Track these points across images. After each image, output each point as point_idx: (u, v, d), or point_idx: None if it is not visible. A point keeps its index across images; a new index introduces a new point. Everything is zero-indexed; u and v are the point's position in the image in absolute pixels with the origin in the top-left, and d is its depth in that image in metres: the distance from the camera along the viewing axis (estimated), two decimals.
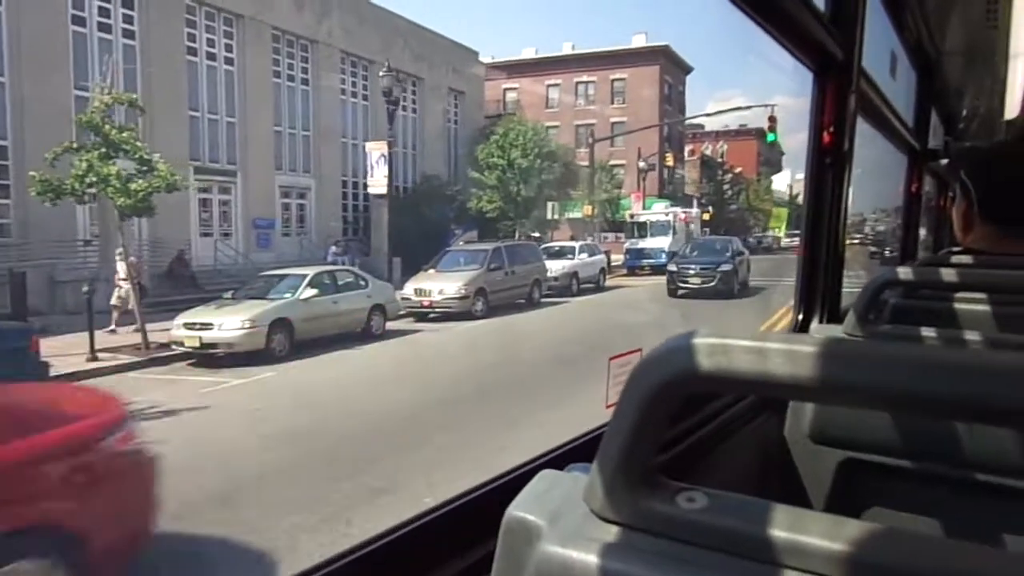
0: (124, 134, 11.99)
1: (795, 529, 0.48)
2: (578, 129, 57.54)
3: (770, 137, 28.66)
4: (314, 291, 13.37)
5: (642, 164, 39.83)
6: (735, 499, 0.52)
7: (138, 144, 12.15)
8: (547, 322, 17.40)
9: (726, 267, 21.54)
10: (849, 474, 1.40)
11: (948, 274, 1.52)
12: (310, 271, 14.41)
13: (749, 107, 29.84)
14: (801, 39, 1.73)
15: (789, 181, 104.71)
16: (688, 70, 58.69)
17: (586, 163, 55.54)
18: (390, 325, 15.75)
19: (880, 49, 2.80)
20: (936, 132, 4.34)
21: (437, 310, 17.32)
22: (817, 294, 2.11)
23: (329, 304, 13.51)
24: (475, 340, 14.45)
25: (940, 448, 1.26)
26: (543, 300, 21.14)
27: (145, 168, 12.20)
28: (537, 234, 41.41)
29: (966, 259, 1.74)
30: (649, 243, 33.74)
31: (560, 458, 1.16)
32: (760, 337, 0.48)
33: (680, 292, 21.22)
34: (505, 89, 59.78)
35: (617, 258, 35.46)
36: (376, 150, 20.48)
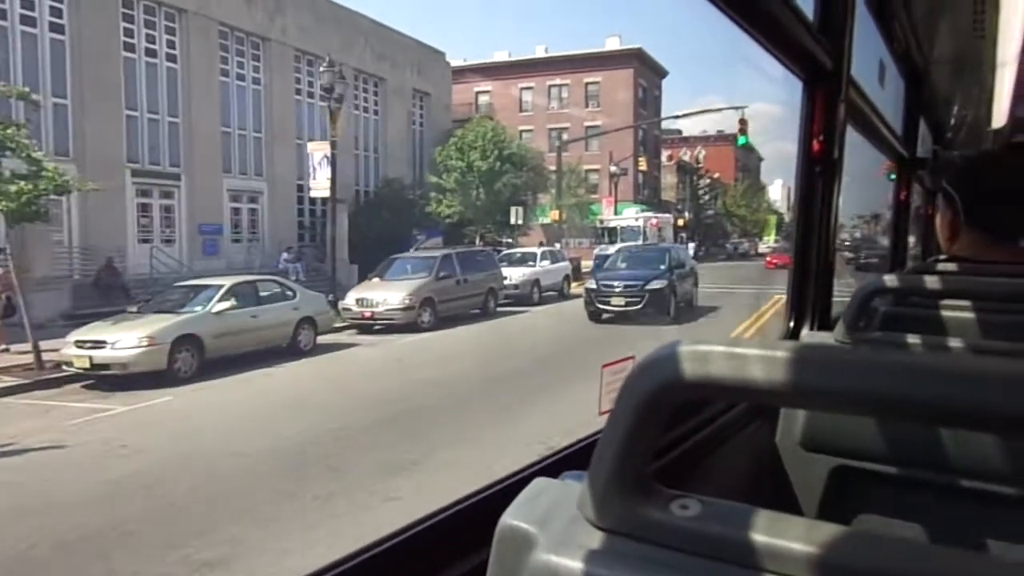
0: (9, 131, 10.69)
1: (788, 536, 0.48)
2: (551, 133, 56.53)
3: (741, 140, 27.78)
4: (228, 304, 12.12)
5: (614, 168, 38.90)
6: (728, 506, 0.52)
7: (24, 142, 10.85)
8: (497, 334, 16.27)
9: (658, 284, 17.16)
10: (840, 481, 1.39)
11: (937, 282, 1.55)
12: (228, 281, 13.15)
13: (720, 109, 28.77)
14: (790, 48, 1.73)
15: (782, 192, 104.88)
16: (664, 74, 57.96)
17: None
18: (326, 339, 14.57)
19: (869, 58, 2.86)
20: (924, 141, 4.36)
21: (380, 322, 16.13)
22: (808, 301, 2.11)
23: (247, 318, 12.28)
24: (411, 356, 13.27)
25: (930, 455, 1.26)
26: (500, 310, 20.02)
27: (35, 168, 10.92)
28: (509, 239, 40.49)
29: (954, 267, 1.76)
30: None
31: (554, 465, 1.16)
32: (751, 345, 0.48)
33: (604, 316, 17.11)
34: (477, 92, 58.73)
35: (589, 264, 34.62)
36: (318, 151, 19.23)
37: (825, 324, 2.10)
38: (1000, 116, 4.24)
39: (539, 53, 57.00)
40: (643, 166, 44.08)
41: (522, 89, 56.74)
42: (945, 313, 1.62)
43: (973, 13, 2.97)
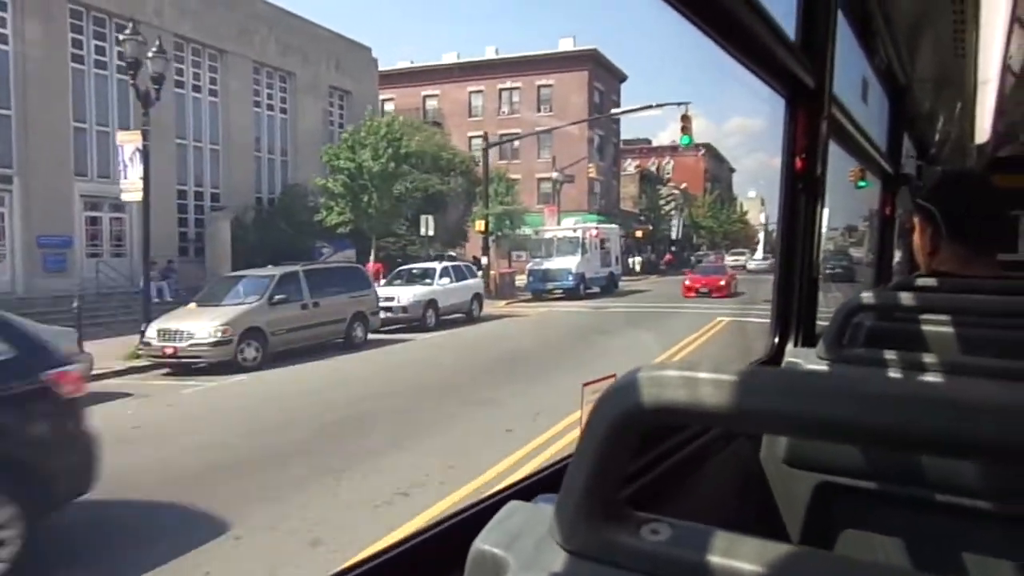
0: None
1: (759, 561, 0.48)
2: (502, 138, 53.30)
3: (684, 140, 24.48)
4: None
5: (555, 175, 35.48)
6: (700, 530, 0.52)
7: None
8: (348, 375, 12.60)
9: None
10: (824, 498, 1.38)
11: (920, 298, 1.56)
12: None
13: (660, 105, 25.38)
14: (772, 67, 1.73)
15: (757, 204, 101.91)
16: (622, 78, 54.84)
17: (512, 175, 51.67)
18: (100, 385, 10.84)
19: (852, 75, 2.92)
20: (908, 157, 4.39)
21: (185, 360, 12.44)
22: (792, 318, 2.11)
23: None
24: (172, 422, 9.57)
25: (915, 472, 1.25)
26: (376, 338, 16.42)
27: None
28: (452, 252, 36.89)
29: (934, 283, 1.78)
30: (555, 263, 29.33)
31: (529, 488, 1.15)
32: (724, 370, 0.48)
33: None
34: (425, 96, 55.41)
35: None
36: (129, 143, 15.51)
37: (809, 340, 2.09)
38: (983, 132, 4.31)
39: (489, 55, 53.84)
40: (591, 172, 40.67)
41: (471, 92, 53.41)
42: (927, 328, 1.63)
43: (953, 32, 2.98)
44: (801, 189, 2.01)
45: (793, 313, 2.09)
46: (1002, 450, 0.41)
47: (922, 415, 0.42)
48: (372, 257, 22.53)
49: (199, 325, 12.52)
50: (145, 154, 14.13)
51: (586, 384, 1.31)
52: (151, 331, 12.80)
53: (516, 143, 52.28)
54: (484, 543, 0.57)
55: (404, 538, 1.00)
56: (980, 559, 1.22)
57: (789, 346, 2.06)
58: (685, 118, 24.63)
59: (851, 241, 24.65)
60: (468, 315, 20.76)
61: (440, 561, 0.88)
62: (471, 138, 52.98)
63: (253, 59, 27.87)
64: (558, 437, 7.92)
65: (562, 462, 1.20)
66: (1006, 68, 2.99)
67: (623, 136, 73.99)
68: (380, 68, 56.05)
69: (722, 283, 28.38)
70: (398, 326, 18.46)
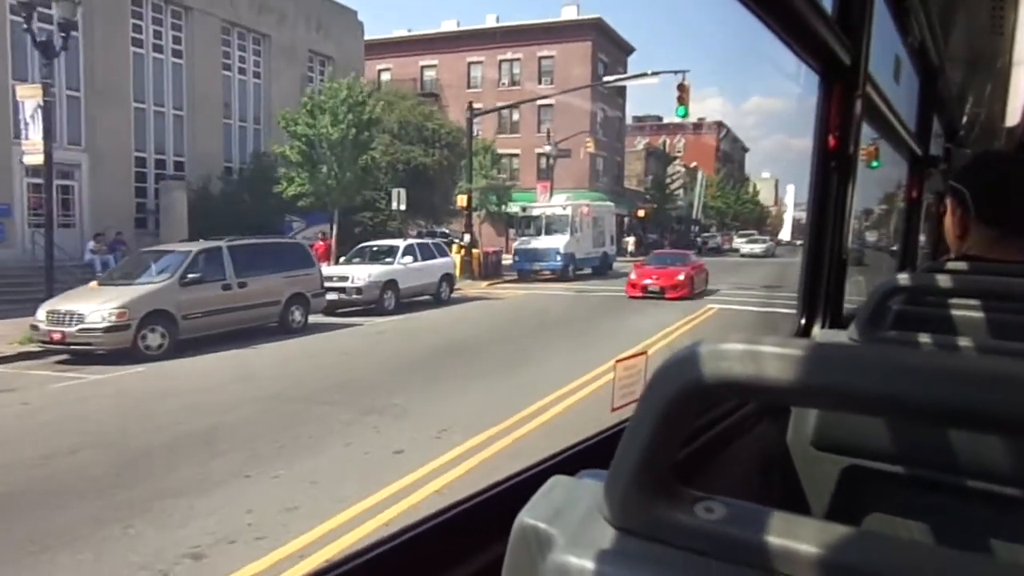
0: None
1: (817, 543, 0.47)
2: (501, 113, 51.22)
3: (680, 111, 22.48)
4: None
5: (548, 148, 33.53)
6: (753, 510, 0.51)
7: None
8: (248, 371, 10.91)
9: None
10: (850, 481, 1.37)
11: (952, 281, 1.51)
12: None
13: (656, 73, 23.44)
14: (809, 42, 1.72)
15: (771, 186, 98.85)
16: (629, 50, 52.43)
17: (510, 150, 49.65)
18: None
19: (885, 54, 2.86)
20: (936, 138, 4.27)
21: (74, 347, 10.85)
22: (820, 299, 2.08)
23: None
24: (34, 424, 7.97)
25: (942, 455, 1.24)
26: (322, 322, 14.81)
27: None
28: (445, 230, 35.09)
29: (964, 266, 1.74)
30: (542, 242, 27.54)
31: (570, 460, 1.15)
32: (789, 344, 0.47)
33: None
34: (423, 67, 53.36)
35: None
36: (29, 98, 13.76)
37: (837, 322, 2.07)
38: (1015, 114, 4.25)
39: (490, 23, 51.61)
40: (590, 147, 38.69)
41: (470, 64, 51.24)
42: (958, 312, 1.60)
43: (991, 9, 2.94)
44: (833, 168, 2.00)
45: (821, 294, 2.07)
46: None
47: (963, 388, 0.42)
48: (333, 233, 20.73)
49: (91, 307, 10.91)
50: (47, 111, 12.37)
51: (619, 360, 1.47)
52: (40, 312, 11.21)
53: (516, 116, 50.50)
54: (529, 517, 0.56)
55: (447, 506, 1.00)
56: (1008, 545, 1.20)
57: (816, 328, 2.05)
58: (682, 87, 22.64)
59: (866, 225, 23.46)
60: (436, 297, 19.08)
61: (483, 532, 0.89)
62: (486, 113, 51.07)
63: (223, 18, 26.03)
64: (456, 463, 6.28)
65: (603, 434, 1.24)
66: None
67: (635, 113, 71.90)
68: (376, 36, 54.31)
69: (680, 278, 19.94)
70: (354, 309, 16.90)
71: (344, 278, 16.81)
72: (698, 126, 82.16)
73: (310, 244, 17.79)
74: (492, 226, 38.87)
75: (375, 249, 18.68)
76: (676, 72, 23.18)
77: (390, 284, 17.27)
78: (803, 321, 2.08)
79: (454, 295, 20.06)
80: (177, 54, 24.84)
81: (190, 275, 11.97)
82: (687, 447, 1.28)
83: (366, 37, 52.74)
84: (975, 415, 0.42)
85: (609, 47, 49.49)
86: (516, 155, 48.30)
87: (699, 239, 57.52)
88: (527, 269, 27.17)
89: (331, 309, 16.61)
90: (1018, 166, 1.84)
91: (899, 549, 0.48)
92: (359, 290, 16.66)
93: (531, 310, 18.61)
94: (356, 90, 20.69)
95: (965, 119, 5.34)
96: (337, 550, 4.44)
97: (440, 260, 19.42)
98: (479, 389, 9.09)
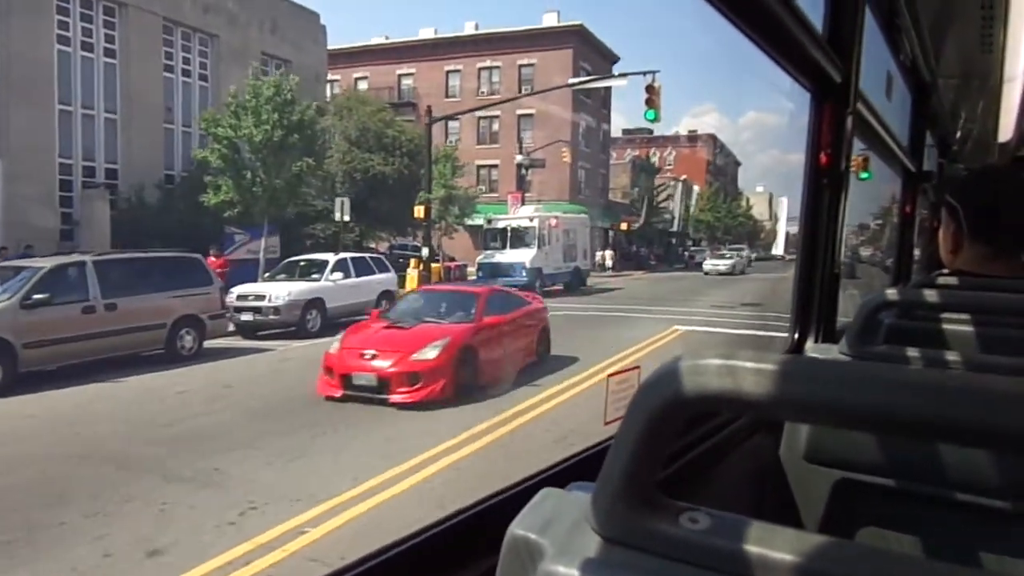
0: None
1: (799, 553, 0.48)
2: (480, 123, 49.60)
3: (649, 115, 20.71)
4: None
5: (520, 158, 31.76)
6: (738, 520, 0.52)
7: None
8: (79, 415, 8.93)
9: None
10: (843, 494, 1.38)
11: (942, 295, 1.55)
12: None
13: (624, 75, 21.80)
14: (800, 60, 1.75)
15: (765, 200, 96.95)
16: (613, 59, 50.77)
17: (489, 160, 47.87)
18: None
19: (877, 71, 2.89)
20: (930, 154, 4.36)
21: None
22: (812, 314, 2.11)
23: None
24: None
25: (933, 469, 1.25)
26: (217, 347, 12.88)
27: None
28: (418, 243, 33.18)
29: (955, 281, 1.76)
30: (507, 256, 25.71)
31: (561, 474, 1.17)
32: (766, 359, 0.48)
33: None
34: (400, 75, 51.67)
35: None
36: None
37: (830, 336, 2.09)
38: (1007, 130, 4.36)
39: (469, 30, 50.02)
40: (566, 157, 36.95)
41: (448, 72, 49.59)
42: (949, 327, 1.62)
43: (981, 28, 2.98)
44: (825, 184, 2.02)
45: (814, 309, 2.09)
46: None
47: (961, 405, 0.42)
48: (262, 247, 18.82)
49: None
50: None
51: (611, 374, 1.51)
52: None
53: (496, 127, 48.83)
54: (520, 528, 0.57)
55: (440, 520, 1.00)
56: (998, 559, 1.21)
57: (809, 342, 2.06)
58: (651, 89, 20.92)
59: (860, 240, 22.37)
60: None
61: (475, 544, 0.91)
62: (447, 120, 49.32)
63: (163, 16, 24.30)
64: (229, 569, 4.40)
65: (593, 449, 1.22)
66: None
67: (626, 126, 70.25)
68: (353, 44, 52.82)
69: (427, 355, 9.07)
70: (275, 332, 14.99)
71: (261, 296, 14.92)
72: (691, 139, 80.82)
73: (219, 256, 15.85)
74: (472, 238, 37.08)
75: (303, 264, 16.81)
76: (645, 73, 21.51)
77: (315, 303, 15.36)
78: (796, 336, 2.11)
79: None
80: (110, 53, 23.06)
81: (36, 296, 10.06)
82: (682, 459, 1.33)
83: (344, 45, 51.45)
84: (956, 430, 0.43)
85: (591, 55, 47.88)
86: (495, 166, 46.57)
87: (687, 253, 55.79)
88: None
89: (251, 331, 14.78)
90: (1011, 184, 1.83)
91: (876, 559, 0.48)
92: (276, 310, 14.75)
93: None
94: (285, 87, 18.85)
95: (958, 134, 5.34)
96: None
97: (379, 276, 17.52)
98: (339, 442, 7.20)
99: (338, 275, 16.17)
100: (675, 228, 58.23)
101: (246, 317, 14.81)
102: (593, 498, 0.54)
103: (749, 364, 0.47)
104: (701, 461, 1.39)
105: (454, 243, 34.18)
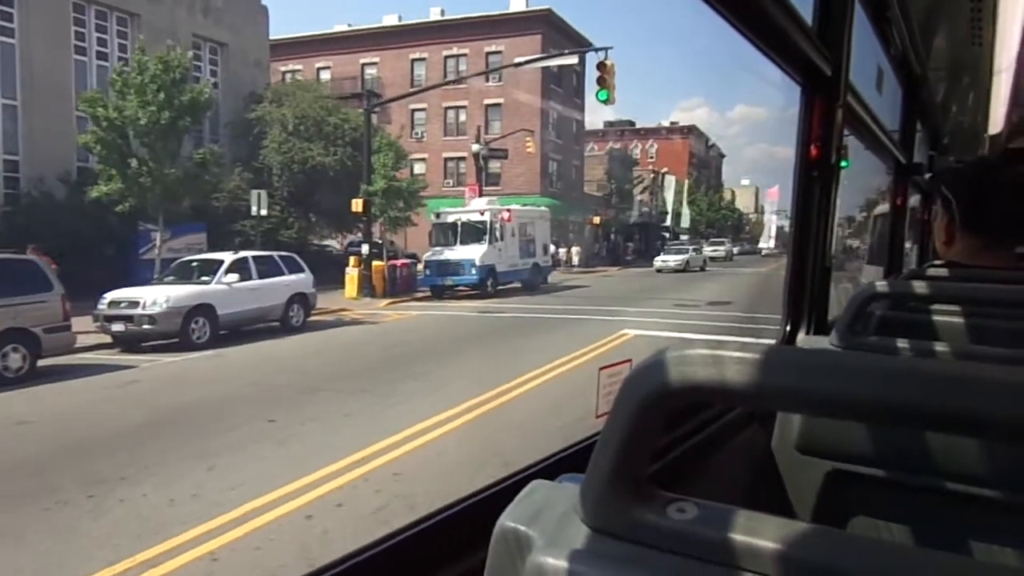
0: None
1: (785, 541, 0.49)
2: (447, 113, 47.48)
3: (601, 95, 18.74)
4: None
5: (476, 147, 29.69)
6: (725, 510, 0.53)
7: None
8: None
9: None
10: (835, 485, 1.39)
11: (932, 287, 1.55)
12: None
13: (572, 52, 19.89)
14: (789, 54, 1.74)
15: (750, 193, 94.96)
16: (584, 44, 48.56)
17: (456, 153, 45.77)
18: None
19: (867, 64, 2.90)
20: (921, 146, 4.42)
21: None
22: (804, 306, 2.11)
23: None
24: None
25: (924, 459, 1.25)
26: (61, 365, 10.80)
27: None
28: (391, 240, 31.06)
29: (947, 272, 1.77)
30: (456, 253, 23.66)
31: (551, 467, 1.16)
32: (750, 349, 0.49)
33: None
34: (363, 64, 49.43)
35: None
36: None
37: (821, 328, 2.10)
38: (997, 122, 4.34)
39: (435, 16, 47.85)
40: (530, 148, 34.92)
41: (413, 60, 47.39)
42: (939, 318, 1.62)
43: (970, 21, 2.99)
44: (815, 177, 2.03)
45: (805, 301, 2.10)
46: (1014, 429, 0.42)
47: (946, 392, 0.42)
48: (157, 243, 16.70)
49: None
50: None
51: (603, 368, 1.41)
52: None
53: (463, 117, 46.67)
54: (510, 520, 0.57)
55: (430, 514, 1.00)
56: (988, 548, 1.22)
57: (801, 334, 2.08)
58: (602, 67, 18.94)
59: (849, 232, 20.85)
60: (283, 324, 15.14)
61: (465, 537, 0.91)
62: (413, 111, 47.31)
63: None
64: None
65: (584, 442, 1.23)
66: (1022, 58, 2.97)
67: (608, 117, 68.20)
68: (315, 32, 50.54)
69: None
70: (156, 343, 12.93)
71: (134, 303, 12.85)
72: (672, 131, 78.91)
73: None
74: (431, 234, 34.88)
75: (196, 265, 14.73)
76: (598, 50, 19.52)
77: (201, 310, 13.30)
78: (788, 328, 2.11)
79: (314, 320, 16.13)
80: (7, 32, 20.84)
81: None
82: (675, 451, 1.33)
83: (305, 32, 49.16)
84: (946, 418, 0.43)
85: (562, 41, 45.66)
86: (463, 158, 44.48)
87: (665, 247, 53.94)
88: (439, 284, 23.30)
89: (129, 343, 12.75)
90: (1002, 177, 1.81)
91: (864, 547, 0.48)
92: (151, 318, 12.69)
93: (400, 340, 14.63)
94: (174, 63, 16.71)
95: (949, 126, 5.35)
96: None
97: (288, 278, 15.46)
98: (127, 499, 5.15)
99: (233, 277, 14.10)
100: (649, 221, 56.33)
101: (117, 327, 12.77)
102: (582, 489, 0.54)
103: (735, 354, 0.47)
104: (694, 453, 1.38)
105: (420, 239, 31.93)
